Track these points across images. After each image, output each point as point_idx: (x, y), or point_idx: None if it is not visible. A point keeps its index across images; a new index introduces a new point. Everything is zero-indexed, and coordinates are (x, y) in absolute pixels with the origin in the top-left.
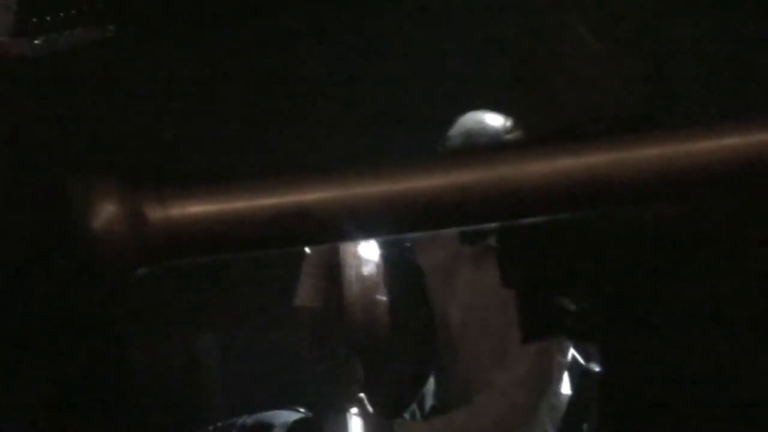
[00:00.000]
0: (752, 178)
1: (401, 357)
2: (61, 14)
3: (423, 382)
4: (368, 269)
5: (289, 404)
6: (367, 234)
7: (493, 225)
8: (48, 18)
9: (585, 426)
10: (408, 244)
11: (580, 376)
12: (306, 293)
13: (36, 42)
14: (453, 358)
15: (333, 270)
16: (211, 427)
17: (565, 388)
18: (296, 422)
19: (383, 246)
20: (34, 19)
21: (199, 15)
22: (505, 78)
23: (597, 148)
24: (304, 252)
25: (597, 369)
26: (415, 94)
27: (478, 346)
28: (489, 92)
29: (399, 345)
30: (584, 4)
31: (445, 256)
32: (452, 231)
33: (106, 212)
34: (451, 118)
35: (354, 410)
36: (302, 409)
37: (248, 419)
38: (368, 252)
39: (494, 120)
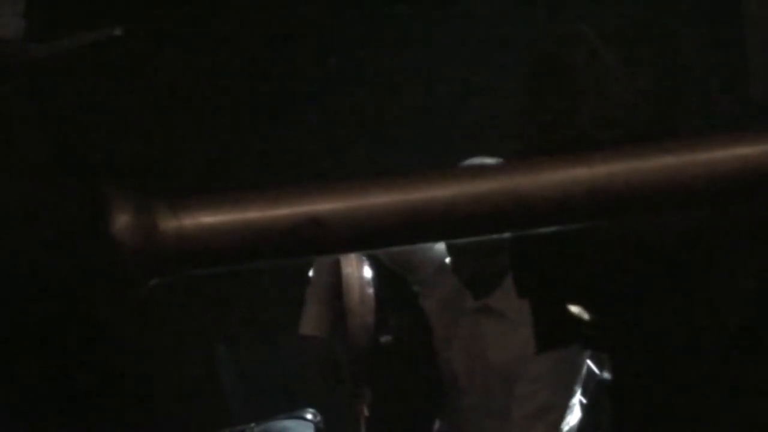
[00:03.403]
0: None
1: (406, 398)
2: (70, 16)
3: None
4: (369, 302)
5: (299, 409)
6: (382, 244)
7: (497, 284)
8: (57, 20)
9: None
10: (414, 285)
11: (594, 386)
12: (311, 322)
13: (46, 45)
14: (457, 405)
15: (337, 298)
16: None
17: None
18: None
19: (388, 285)
20: (43, 22)
21: (213, 18)
22: (518, 87)
23: (611, 157)
24: (309, 279)
25: (610, 378)
26: (428, 102)
27: (480, 400)
28: (501, 102)
29: (404, 384)
30: (596, 15)
31: (448, 302)
32: (454, 279)
33: (119, 223)
34: (464, 123)
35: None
36: (309, 416)
37: (256, 428)
38: (370, 281)
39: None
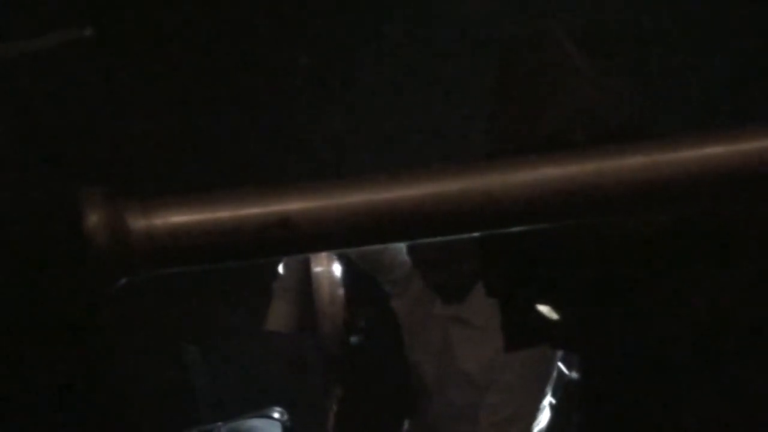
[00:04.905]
0: (738, 187)
1: (376, 397)
2: (41, 16)
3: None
4: (339, 302)
5: (268, 407)
6: (352, 244)
7: (466, 292)
8: (27, 20)
9: None
10: (385, 286)
11: (563, 386)
12: (278, 317)
13: (17, 44)
14: (426, 408)
15: (305, 295)
16: None
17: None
18: None
19: (359, 285)
20: (14, 21)
21: (187, 17)
22: (491, 87)
23: (582, 157)
24: (276, 274)
25: (579, 378)
26: (396, 103)
27: (449, 405)
28: (474, 101)
29: (373, 383)
30: (570, 16)
31: (418, 304)
32: (425, 283)
33: (89, 222)
34: (432, 125)
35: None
36: (277, 414)
37: (224, 428)
38: (340, 281)
39: None
